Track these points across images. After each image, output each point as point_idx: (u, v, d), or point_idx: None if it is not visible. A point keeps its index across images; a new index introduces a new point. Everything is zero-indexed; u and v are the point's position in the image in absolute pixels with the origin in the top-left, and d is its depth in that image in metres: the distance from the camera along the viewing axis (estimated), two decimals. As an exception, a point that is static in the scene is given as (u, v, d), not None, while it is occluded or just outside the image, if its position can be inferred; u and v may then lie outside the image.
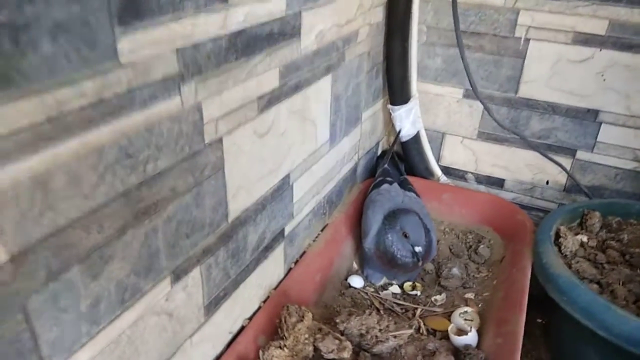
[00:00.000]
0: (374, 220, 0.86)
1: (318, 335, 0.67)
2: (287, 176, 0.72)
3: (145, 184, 0.45)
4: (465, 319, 0.79)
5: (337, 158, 0.90)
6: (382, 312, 0.84)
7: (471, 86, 0.96)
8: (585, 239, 0.89)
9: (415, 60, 0.98)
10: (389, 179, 0.96)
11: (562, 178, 1.04)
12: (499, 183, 1.11)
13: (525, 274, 0.81)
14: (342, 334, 0.72)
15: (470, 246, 0.98)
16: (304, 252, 0.85)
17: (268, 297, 0.75)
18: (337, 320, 0.74)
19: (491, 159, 1.09)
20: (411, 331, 0.73)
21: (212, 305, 0.61)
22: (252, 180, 0.63)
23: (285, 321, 0.68)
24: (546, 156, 0.98)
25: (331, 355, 0.66)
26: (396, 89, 0.99)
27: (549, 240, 0.84)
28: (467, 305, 0.84)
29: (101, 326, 0.44)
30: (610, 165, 0.99)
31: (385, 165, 1.01)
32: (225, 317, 0.65)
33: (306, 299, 0.80)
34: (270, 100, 0.62)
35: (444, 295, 0.89)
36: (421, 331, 0.79)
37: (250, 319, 0.71)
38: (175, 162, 0.48)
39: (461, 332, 0.77)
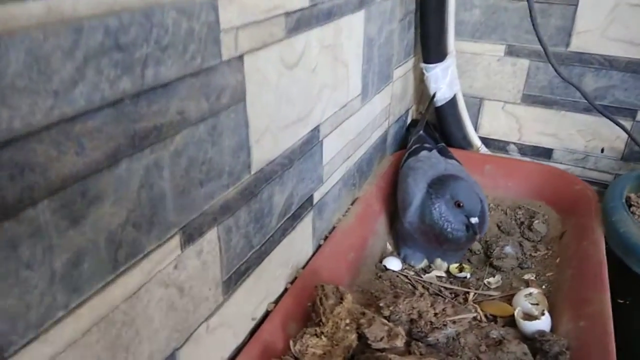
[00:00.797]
0: (417, 189, 0.73)
1: (362, 321, 0.54)
2: (317, 129, 0.60)
3: (144, 96, 0.32)
4: (531, 303, 0.66)
5: (368, 119, 0.77)
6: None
7: (540, 43, 0.81)
8: (658, 208, 0.76)
9: (454, 10, 0.86)
10: (427, 145, 0.84)
11: (620, 144, 0.92)
12: (546, 154, 0.98)
13: (599, 247, 0.68)
14: (388, 320, 0.59)
15: (522, 222, 0.85)
16: (334, 228, 0.72)
17: (296, 277, 0.62)
18: (381, 304, 0.61)
19: (538, 126, 0.96)
20: (474, 314, 0.60)
21: (233, 282, 0.48)
22: (279, 125, 0.51)
23: (321, 303, 0.55)
24: (606, 115, 0.85)
25: (380, 344, 0.53)
26: (431, 44, 0.87)
27: (623, 208, 0.71)
28: (528, 287, 0.71)
29: (85, 296, 0.31)
30: (679, 127, 0.86)
31: (421, 132, 0.88)
32: (248, 297, 0.52)
33: (339, 281, 0.66)
34: (299, 21, 0.49)
35: (498, 277, 0.75)
36: (479, 318, 0.66)
37: (276, 303, 0.58)
38: (184, 73, 0.35)
39: (530, 316, 0.63)
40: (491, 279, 0.75)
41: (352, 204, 0.78)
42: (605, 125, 0.91)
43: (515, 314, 0.63)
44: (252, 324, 0.54)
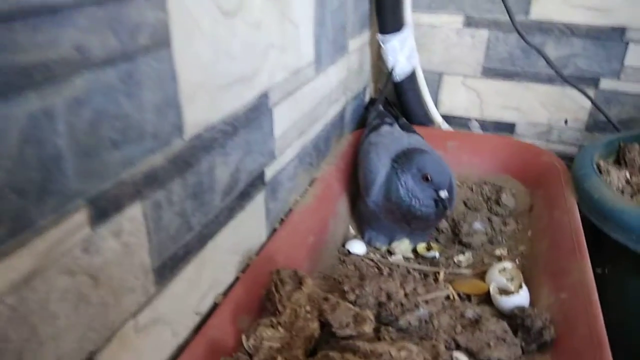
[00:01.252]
0: (381, 165, 0.67)
1: (325, 307, 0.48)
2: (266, 95, 0.53)
3: (22, 19, 0.25)
4: (506, 278, 0.61)
5: (323, 92, 0.71)
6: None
7: (505, 6, 0.77)
8: (627, 175, 0.73)
9: (409, -24, 0.81)
10: (388, 120, 0.78)
11: (584, 114, 0.89)
12: (509, 129, 0.95)
13: (573, 215, 0.64)
14: (353, 305, 0.52)
15: (489, 198, 0.81)
16: (290, 210, 0.66)
17: (248, 265, 0.55)
18: (346, 288, 0.54)
19: (499, 100, 0.93)
20: (447, 292, 0.54)
21: (167, 270, 0.41)
22: (218, 83, 0.43)
23: (277, 290, 0.48)
24: (570, 83, 0.82)
25: (347, 331, 0.46)
26: (387, 13, 0.82)
27: (595, 174, 0.67)
28: (500, 260, 0.67)
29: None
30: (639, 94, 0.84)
31: (381, 108, 0.82)
32: (189, 289, 0.45)
33: (298, 267, 0.60)
34: (236, -40, 0.42)
35: (468, 254, 0.71)
36: (452, 297, 0.61)
37: (225, 294, 0.50)
38: (80, -3, 0.28)
39: (506, 292, 0.59)
40: (461, 257, 0.70)
41: (310, 185, 0.72)
42: (568, 96, 0.88)
43: (491, 290, 0.58)
44: (196, 320, 0.47)
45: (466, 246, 0.72)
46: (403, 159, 0.65)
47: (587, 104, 0.87)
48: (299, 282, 0.49)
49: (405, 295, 0.53)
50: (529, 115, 0.92)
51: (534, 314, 0.52)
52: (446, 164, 0.67)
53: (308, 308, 0.48)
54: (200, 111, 0.41)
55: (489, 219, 0.76)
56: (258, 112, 0.51)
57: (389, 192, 0.65)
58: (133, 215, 0.35)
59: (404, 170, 0.64)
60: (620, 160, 0.77)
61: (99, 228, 0.32)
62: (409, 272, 0.67)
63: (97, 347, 0.34)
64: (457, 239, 0.73)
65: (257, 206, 0.56)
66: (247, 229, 0.54)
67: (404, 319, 0.51)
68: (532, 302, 0.57)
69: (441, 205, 0.63)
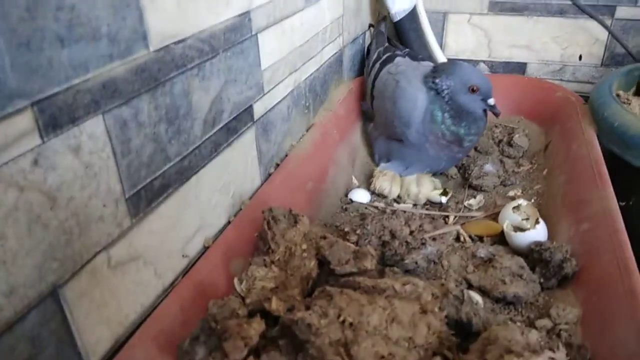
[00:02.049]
0: (417, 90, 0.62)
1: (322, 243, 0.43)
2: (247, 16, 0.48)
3: None
4: (522, 218, 0.57)
5: (316, 26, 0.65)
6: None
7: None
8: (649, 106, 0.68)
9: None
10: (398, 52, 0.73)
11: (599, 49, 0.83)
12: (519, 69, 0.89)
13: (593, 145, 0.59)
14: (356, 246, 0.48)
15: (501, 140, 0.75)
16: (286, 156, 0.61)
17: (240, 210, 0.51)
18: (347, 229, 0.50)
19: (508, 38, 0.87)
20: (457, 228, 0.50)
21: (143, 201, 0.37)
22: (188, -8, 0.38)
23: (269, 227, 0.44)
24: (586, 11, 0.75)
25: (347, 268, 0.42)
26: (384, -56, 0.75)
27: (615, 101, 0.62)
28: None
29: None
30: (662, 20, 0.78)
31: (386, 43, 0.77)
32: (172, 227, 0.41)
33: (296, 213, 0.56)
34: None
35: (479, 197, 0.66)
36: (463, 239, 0.56)
37: (216, 239, 0.46)
38: None
39: (522, 229, 0.54)
40: (472, 201, 0.65)
41: (307, 131, 0.67)
42: (582, 28, 0.82)
43: (505, 227, 0.54)
44: (183, 263, 0.43)
45: (477, 189, 0.67)
46: (440, 77, 0.61)
47: (603, 35, 0.81)
48: (294, 221, 0.45)
49: (411, 233, 0.49)
50: (540, 52, 0.86)
51: (553, 246, 0.47)
52: None
53: (304, 246, 0.43)
54: (167, 19, 0.36)
55: (501, 161, 0.71)
56: (239, 34, 0.46)
57: (434, 117, 0.61)
58: (93, 131, 0.31)
59: (448, 88, 0.60)
60: (641, 91, 0.71)
61: (51, 140, 0.28)
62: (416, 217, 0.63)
63: (62, 280, 0.30)
64: (467, 184, 0.69)
65: (247, 145, 0.51)
66: (238, 168, 0.50)
67: (410, 259, 0.47)
68: (550, 238, 0.52)
69: (492, 113, 0.61)
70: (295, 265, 0.42)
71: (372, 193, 0.69)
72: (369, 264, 0.42)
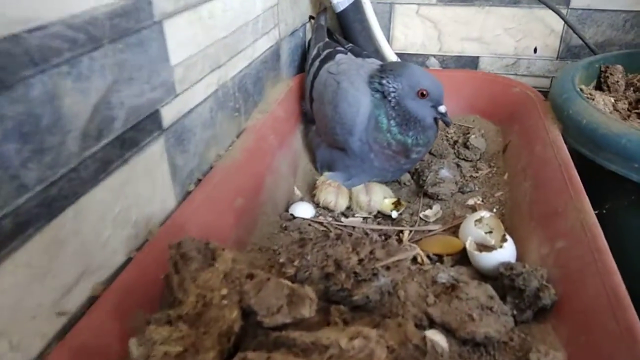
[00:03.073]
0: (360, 94, 0.54)
1: (247, 287, 0.34)
2: (146, -1, 0.37)
3: None
4: (485, 231, 0.50)
5: (244, 15, 0.56)
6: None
7: None
8: (612, 100, 0.62)
9: None
10: (340, 48, 0.64)
11: (555, 40, 0.78)
12: (472, 63, 0.82)
13: (559, 147, 0.52)
14: (294, 281, 0.39)
15: (456, 141, 0.68)
16: (212, 168, 0.51)
17: (147, 240, 0.41)
18: (282, 260, 0.41)
19: (459, 30, 0.80)
20: (414, 252, 0.42)
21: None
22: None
23: (177, 270, 0.34)
24: None
25: (279, 319, 0.32)
26: None
27: (580, 97, 0.56)
28: (476, 212, 0.55)
29: None
30: (617, 10, 0.73)
31: (326, 38, 0.68)
32: (36, 277, 0.30)
33: (221, 239, 0.46)
34: None
35: (436, 207, 0.58)
36: (420, 260, 0.49)
37: (108, 286, 0.36)
38: None
39: (486, 247, 0.47)
40: (428, 212, 0.58)
41: (237, 137, 0.57)
42: (537, 20, 0.77)
43: (467, 246, 0.46)
44: (58, 323, 0.32)
45: (433, 198, 0.60)
46: (387, 78, 0.54)
47: (558, 26, 0.76)
48: (212, 258, 0.35)
49: (360, 261, 0.40)
50: (493, 45, 0.80)
51: (527, 271, 0.40)
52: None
53: (224, 292, 0.34)
54: (12, -2, 0.26)
55: (458, 165, 0.64)
56: (134, 21, 0.36)
57: (379, 124, 0.54)
58: None
59: (394, 91, 0.53)
60: (602, 85, 0.66)
61: None
62: (366, 234, 0.54)
63: None
64: (422, 192, 0.61)
65: (153, 159, 0.41)
66: (141, 190, 0.40)
67: (360, 293, 0.38)
68: (519, 257, 0.45)
69: (443, 122, 0.55)
70: (211, 319, 0.32)
71: (317, 206, 0.60)
72: (307, 311, 0.33)
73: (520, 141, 0.61)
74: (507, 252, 0.44)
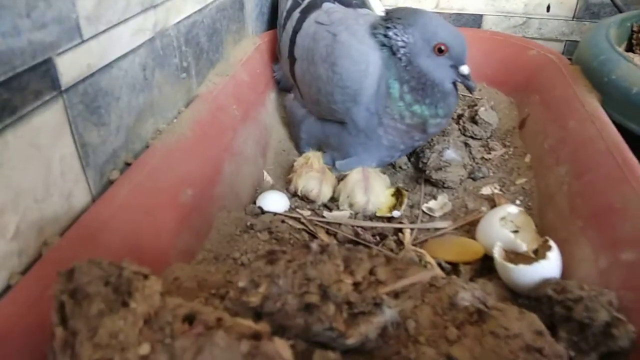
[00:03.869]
0: (367, 47, 0.42)
1: (182, 342, 0.21)
2: None
3: None
4: (510, 230, 0.38)
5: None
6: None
7: None
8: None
9: None
10: None
11: (572, -3, 0.66)
12: (473, 23, 0.70)
13: (602, 122, 0.41)
14: (257, 315, 0.27)
15: (461, 115, 0.56)
16: (147, 148, 0.37)
17: (39, 258, 0.27)
18: (242, 284, 0.28)
19: (461, -18, 0.67)
20: (432, 274, 0.29)
21: None
22: None
23: (63, 318, 0.21)
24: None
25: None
26: None
27: (624, 58, 0.44)
28: (495, 204, 0.43)
29: None
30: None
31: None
32: None
33: (160, 249, 0.33)
34: None
35: (442, 197, 0.47)
36: (430, 270, 0.37)
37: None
38: None
39: (519, 256, 0.35)
40: (432, 203, 0.46)
41: (186, 107, 0.43)
42: (551, -29, 0.65)
43: (495, 255, 0.35)
44: None
45: (437, 186, 0.48)
46: (397, 27, 0.41)
47: (578, -20, 0.64)
48: (127, 291, 0.22)
49: (356, 286, 0.27)
50: (499, 2, 0.68)
51: (588, 295, 0.28)
52: None
53: (144, 350, 0.21)
54: None
55: (466, 144, 0.52)
56: None
57: (390, 89, 0.41)
58: None
59: (404, 44, 0.41)
60: (634, 47, 0.55)
61: None
62: (357, 234, 0.42)
63: None
64: (423, 177, 0.49)
65: (44, 134, 0.27)
66: (23, 182, 0.26)
67: (356, 334, 0.26)
68: (563, 270, 0.33)
69: (465, 86, 0.43)
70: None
71: (294, 195, 0.47)
72: (277, 382, 0.20)
73: (543, 115, 0.49)
74: (552, 266, 0.32)
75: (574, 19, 0.67)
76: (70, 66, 0.28)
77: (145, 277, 0.23)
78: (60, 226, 0.29)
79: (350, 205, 0.43)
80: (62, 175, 0.29)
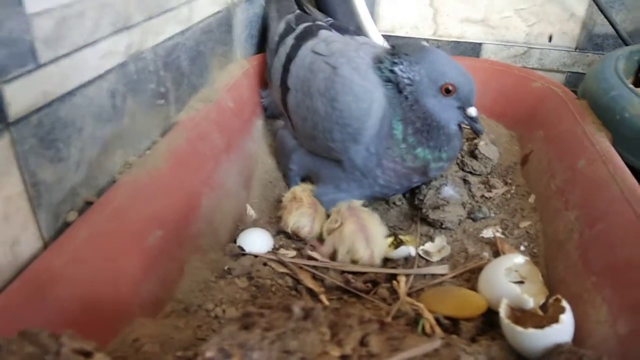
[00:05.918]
0: (370, 84, 0.39)
1: None
2: None
3: None
4: (515, 281, 0.34)
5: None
6: (326, 301, 0.36)
7: None
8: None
9: None
10: (320, 23, 0.48)
11: (575, 27, 0.64)
12: (472, 51, 0.68)
13: (617, 164, 0.38)
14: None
15: (460, 149, 0.53)
16: (115, 182, 0.33)
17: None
18: (209, 355, 0.24)
19: (460, 9, 0.65)
20: (437, 343, 0.26)
21: None
22: None
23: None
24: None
25: None
26: None
27: (635, 94, 0.42)
28: (497, 248, 0.39)
29: None
30: (652, -7, 0.60)
31: (296, 9, 0.52)
32: None
33: (117, 301, 0.28)
34: None
35: (440, 240, 0.43)
36: (429, 328, 0.33)
37: None
38: None
39: (526, 314, 0.31)
40: (428, 245, 0.42)
41: (162, 136, 0.40)
42: (554, 0, 0.62)
43: (501, 313, 0.31)
44: None
45: (434, 226, 0.44)
46: (402, 63, 0.38)
47: (580, 10, 0.62)
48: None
49: (344, 359, 0.24)
50: (499, 30, 0.66)
51: (610, 370, 0.25)
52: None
53: None
54: None
55: (465, 180, 0.49)
56: None
57: (393, 130, 0.38)
58: None
59: (411, 82, 0.38)
60: (641, 82, 0.52)
61: None
62: (347, 281, 0.38)
63: None
64: (418, 216, 0.45)
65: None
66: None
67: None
68: (575, 332, 0.30)
69: (472, 129, 0.41)
70: None
71: (279, 232, 0.43)
72: None
73: (548, 152, 0.46)
74: (566, 330, 0.28)
75: (577, 50, 0.65)
76: (20, 95, 0.25)
77: (88, 355, 0.19)
78: (1, 279, 0.25)
79: (353, 262, 0.39)
80: (5, 220, 0.25)
